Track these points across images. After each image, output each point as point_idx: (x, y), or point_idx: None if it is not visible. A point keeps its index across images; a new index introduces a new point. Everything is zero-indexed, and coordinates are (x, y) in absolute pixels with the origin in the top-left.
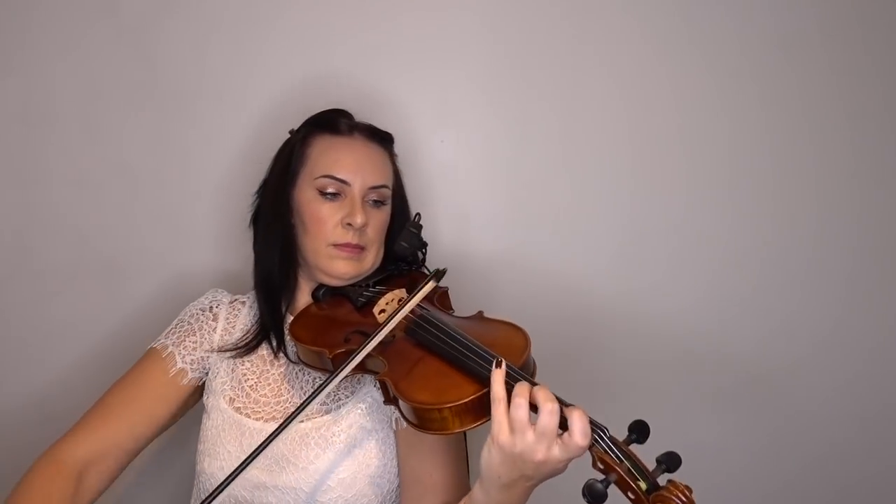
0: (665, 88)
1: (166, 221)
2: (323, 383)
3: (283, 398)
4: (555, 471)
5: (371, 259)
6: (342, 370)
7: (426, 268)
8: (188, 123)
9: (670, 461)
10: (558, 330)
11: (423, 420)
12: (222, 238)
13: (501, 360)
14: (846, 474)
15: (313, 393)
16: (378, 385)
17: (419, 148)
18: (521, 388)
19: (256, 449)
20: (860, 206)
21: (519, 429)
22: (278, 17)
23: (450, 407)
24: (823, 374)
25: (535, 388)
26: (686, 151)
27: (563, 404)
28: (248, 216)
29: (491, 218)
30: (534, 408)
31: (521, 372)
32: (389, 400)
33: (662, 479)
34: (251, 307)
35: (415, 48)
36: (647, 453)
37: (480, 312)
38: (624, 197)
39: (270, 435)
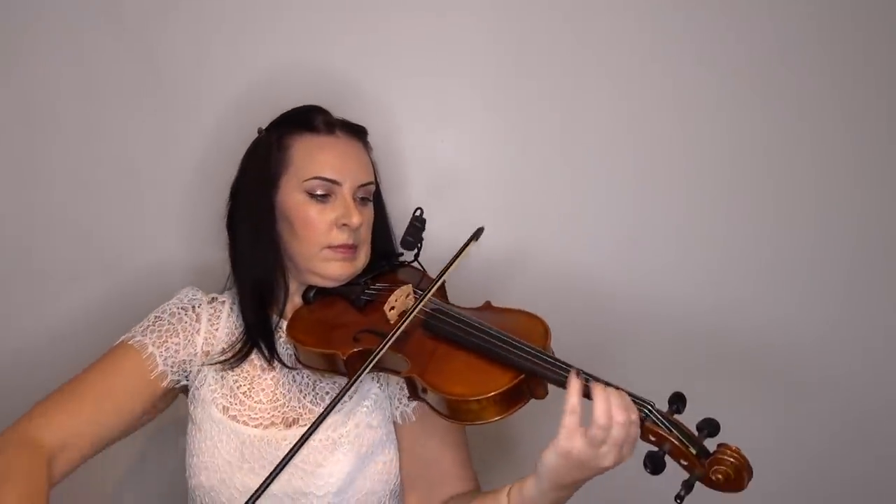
0: (665, 89)
1: (168, 222)
2: (349, 383)
3: (279, 402)
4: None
5: (363, 258)
6: (366, 367)
7: (419, 262)
8: (190, 123)
9: (711, 427)
10: (558, 328)
11: (457, 412)
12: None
13: (579, 371)
14: (846, 472)
15: (341, 392)
16: (401, 383)
17: (419, 148)
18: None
19: (290, 451)
20: (860, 206)
21: (595, 444)
22: (278, 19)
23: (488, 397)
24: (822, 372)
25: (612, 394)
26: (686, 152)
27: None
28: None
29: (491, 217)
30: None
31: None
32: (416, 395)
33: (709, 444)
34: (232, 310)
35: (415, 48)
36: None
37: (488, 302)
38: (624, 197)
39: (304, 435)
